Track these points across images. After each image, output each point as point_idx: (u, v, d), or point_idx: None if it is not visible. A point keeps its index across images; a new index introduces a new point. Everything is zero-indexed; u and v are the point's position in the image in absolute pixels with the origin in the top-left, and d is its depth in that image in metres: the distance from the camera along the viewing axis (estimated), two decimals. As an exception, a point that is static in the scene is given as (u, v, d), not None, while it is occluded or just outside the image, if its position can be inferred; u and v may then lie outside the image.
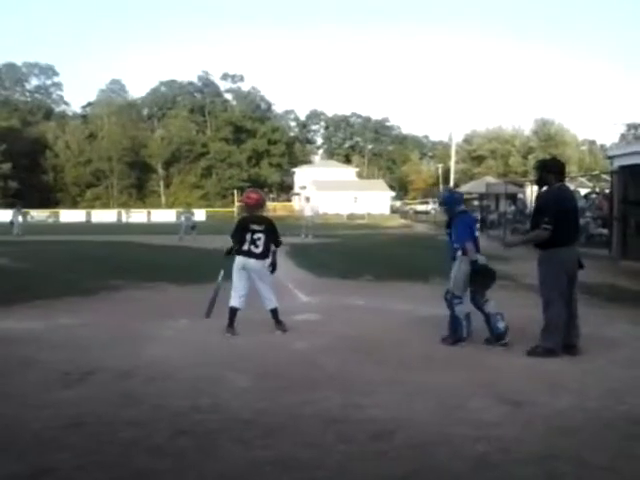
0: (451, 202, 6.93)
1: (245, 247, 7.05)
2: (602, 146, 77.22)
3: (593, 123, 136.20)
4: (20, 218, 31.10)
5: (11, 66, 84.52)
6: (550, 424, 4.16)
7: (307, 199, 33.63)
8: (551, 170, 6.29)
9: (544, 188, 6.35)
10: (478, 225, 6.90)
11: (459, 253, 6.48)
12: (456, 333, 6.47)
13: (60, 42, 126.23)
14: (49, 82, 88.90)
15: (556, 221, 5.87)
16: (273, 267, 7.24)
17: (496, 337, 6.40)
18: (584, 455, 3.64)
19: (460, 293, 6.48)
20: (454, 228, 6.64)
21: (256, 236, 7.03)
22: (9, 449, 3.65)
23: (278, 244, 7.28)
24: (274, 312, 7.15)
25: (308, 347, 6.42)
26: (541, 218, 5.97)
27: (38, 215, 54.11)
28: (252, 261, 7.04)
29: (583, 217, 20.09)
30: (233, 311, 7.09)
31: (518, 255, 12.12)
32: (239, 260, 7.11)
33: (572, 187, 23.36)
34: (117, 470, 3.45)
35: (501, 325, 6.38)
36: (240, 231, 7.14)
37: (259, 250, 7.03)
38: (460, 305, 6.46)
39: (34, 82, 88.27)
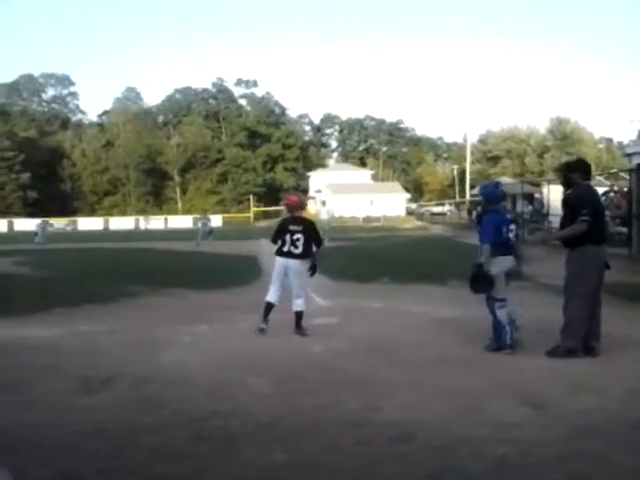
0: (488, 197, 6.61)
1: (285, 248, 7.24)
2: (619, 144, 76.41)
3: (610, 120, 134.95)
4: (42, 230, 32.17)
5: (29, 77, 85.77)
6: (572, 425, 4.12)
7: (323, 203, 33.63)
8: (576, 169, 6.25)
9: (569, 190, 6.28)
10: (512, 226, 6.44)
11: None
12: (500, 338, 6.17)
13: (75, 52, 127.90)
14: (65, 92, 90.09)
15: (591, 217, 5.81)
16: (313, 269, 7.38)
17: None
18: (607, 456, 3.60)
19: (500, 295, 6.19)
20: (482, 226, 6.41)
21: (295, 237, 7.20)
22: (33, 455, 3.69)
23: (319, 244, 7.43)
24: (299, 315, 7.24)
25: (326, 350, 6.42)
26: (576, 213, 5.86)
27: (57, 224, 54.70)
28: (292, 261, 7.22)
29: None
30: (269, 306, 7.29)
31: (536, 255, 12.04)
32: (280, 261, 7.30)
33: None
34: (138, 475, 3.47)
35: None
36: (279, 233, 7.35)
37: (299, 251, 7.20)
38: (502, 309, 6.15)
39: (51, 92, 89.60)
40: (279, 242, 7.30)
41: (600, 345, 6.00)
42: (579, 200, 5.99)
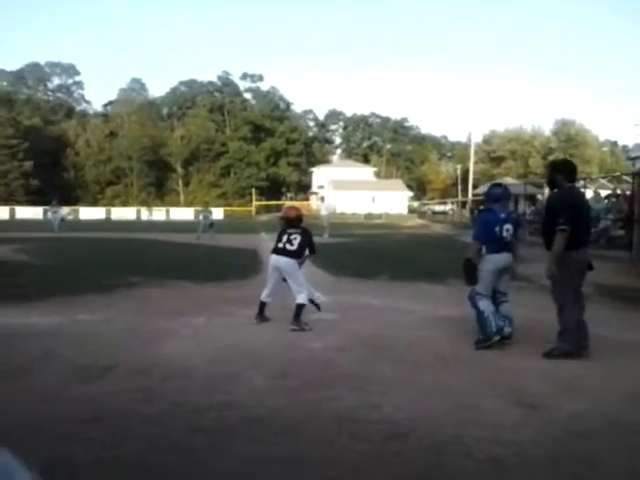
0: (485, 196, 6.87)
1: (280, 245, 7.42)
2: (624, 147, 76.32)
3: (615, 124, 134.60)
4: (50, 215, 31.29)
5: (34, 66, 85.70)
6: (567, 427, 4.12)
7: (322, 198, 33.56)
8: (561, 171, 6.20)
9: (555, 190, 6.29)
10: (507, 225, 6.52)
11: (483, 251, 6.44)
12: (486, 330, 6.31)
13: (81, 42, 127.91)
14: (71, 81, 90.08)
15: (569, 224, 5.81)
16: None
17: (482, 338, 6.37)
18: (602, 459, 3.61)
19: (482, 290, 6.39)
20: (474, 224, 6.64)
21: (292, 236, 7.41)
22: (27, 443, 3.69)
23: (313, 251, 7.63)
24: (298, 307, 7.30)
25: (324, 346, 6.43)
26: (555, 219, 5.87)
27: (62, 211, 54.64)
28: (283, 259, 7.35)
29: (604, 219, 19.90)
30: (261, 304, 7.53)
31: (536, 256, 12.03)
32: (272, 259, 7.49)
33: (592, 188, 23.15)
34: (134, 466, 3.48)
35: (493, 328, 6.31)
36: (279, 236, 7.61)
37: (294, 247, 7.36)
38: (483, 300, 6.34)
39: (56, 81, 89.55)
40: (276, 242, 7.56)
41: (590, 345, 6.03)
42: (558, 205, 5.98)
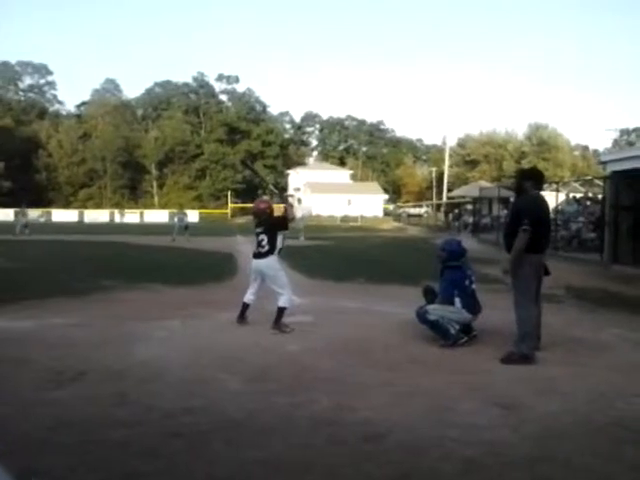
0: (452, 254, 6.98)
1: (256, 250, 7.55)
2: (595, 151, 77.62)
3: (586, 128, 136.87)
4: (21, 218, 30.42)
5: (4, 65, 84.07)
6: (540, 428, 4.18)
7: (299, 201, 33.54)
8: (529, 178, 6.40)
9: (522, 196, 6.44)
10: (473, 278, 6.96)
11: (457, 301, 6.64)
12: (448, 334, 6.51)
13: (54, 41, 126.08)
14: (43, 81, 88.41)
15: (531, 227, 5.93)
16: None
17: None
18: (574, 459, 3.66)
19: (432, 314, 6.62)
20: (442, 281, 6.89)
21: (260, 238, 7.49)
22: (-1, 449, 3.64)
23: (285, 228, 7.57)
24: (279, 311, 7.33)
25: (300, 349, 6.42)
26: (519, 221, 5.99)
27: (30, 214, 53.70)
28: (261, 262, 7.47)
29: (576, 222, 20.24)
30: (243, 305, 7.59)
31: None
32: (253, 262, 7.64)
33: (564, 192, 23.52)
34: (108, 471, 3.44)
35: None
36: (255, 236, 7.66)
37: (265, 249, 7.43)
38: (431, 315, 6.60)
39: (28, 81, 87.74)
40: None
41: (540, 346, 6.22)
42: (523, 209, 6.13)
